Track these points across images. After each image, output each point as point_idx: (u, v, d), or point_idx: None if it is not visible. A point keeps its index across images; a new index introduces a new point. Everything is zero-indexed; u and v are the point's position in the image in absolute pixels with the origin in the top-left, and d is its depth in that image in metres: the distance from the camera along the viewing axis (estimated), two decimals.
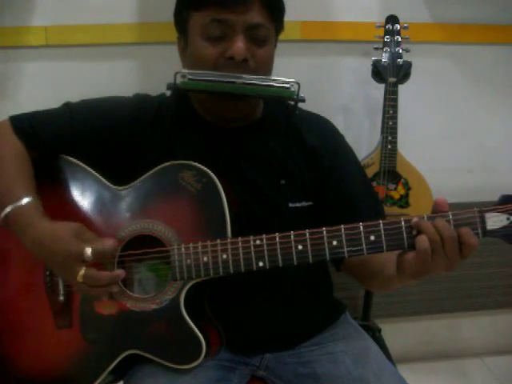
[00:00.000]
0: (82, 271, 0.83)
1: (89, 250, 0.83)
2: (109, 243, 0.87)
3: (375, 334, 1.69)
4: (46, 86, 1.55)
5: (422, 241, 0.78)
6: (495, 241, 0.81)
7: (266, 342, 1.04)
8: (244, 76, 0.92)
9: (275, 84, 0.94)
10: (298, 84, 0.93)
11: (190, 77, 0.93)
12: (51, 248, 0.86)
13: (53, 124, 1.00)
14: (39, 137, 0.98)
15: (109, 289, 0.87)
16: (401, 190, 1.59)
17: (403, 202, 1.59)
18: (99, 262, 0.85)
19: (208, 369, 0.96)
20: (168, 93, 1.03)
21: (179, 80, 0.93)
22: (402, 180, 1.58)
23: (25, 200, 0.90)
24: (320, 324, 1.10)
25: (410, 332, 1.96)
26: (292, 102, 0.97)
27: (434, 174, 1.62)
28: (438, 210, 0.81)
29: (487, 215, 0.79)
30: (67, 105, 1.04)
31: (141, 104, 1.04)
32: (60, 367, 0.95)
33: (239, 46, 0.92)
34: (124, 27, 1.54)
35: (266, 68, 0.98)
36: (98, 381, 0.92)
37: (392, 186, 1.59)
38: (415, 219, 0.81)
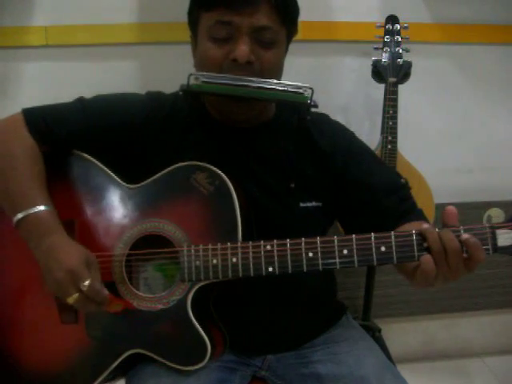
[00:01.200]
0: (76, 295, 0.84)
1: (87, 282, 0.84)
2: (106, 292, 0.87)
3: (375, 334, 1.68)
4: (46, 85, 1.54)
5: (428, 262, 0.78)
6: None
7: (268, 344, 1.04)
8: (257, 80, 0.91)
9: (288, 89, 0.92)
10: (312, 89, 0.92)
11: (204, 79, 0.91)
12: (58, 259, 0.86)
13: (66, 119, 0.99)
14: (52, 132, 0.97)
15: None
16: None
17: None
18: (91, 295, 0.85)
19: (211, 370, 0.95)
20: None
21: (192, 82, 0.92)
22: (402, 180, 1.58)
23: (42, 207, 0.90)
24: (322, 325, 1.09)
25: (410, 332, 1.95)
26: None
27: (434, 174, 1.63)
28: (446, 219, 0.81)
29: (498, 232, 0.79)
30: (81, 100, 1.03)
31: (153, 102, 1.04)
32: (63, 363, 0.94)
33: (242, 48, 0.91)
34: (124, 27, 1.54)
35: (273, 71, 0.96)
36: (101, 378, 0.92)
37: None
38: (425, 225, 0.81)
